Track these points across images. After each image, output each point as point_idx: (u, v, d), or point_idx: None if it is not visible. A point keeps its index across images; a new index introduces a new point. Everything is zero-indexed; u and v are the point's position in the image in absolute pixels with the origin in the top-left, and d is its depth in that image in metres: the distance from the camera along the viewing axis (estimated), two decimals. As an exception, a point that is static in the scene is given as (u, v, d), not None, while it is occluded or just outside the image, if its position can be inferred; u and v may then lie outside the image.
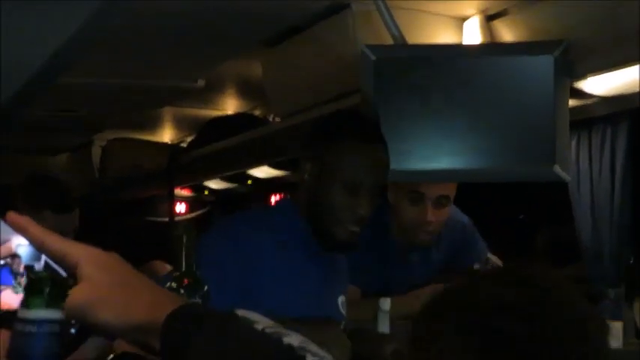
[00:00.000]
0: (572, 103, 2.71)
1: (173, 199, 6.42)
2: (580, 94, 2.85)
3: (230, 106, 4.93)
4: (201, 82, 3.67)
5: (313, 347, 1.08)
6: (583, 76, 2.71)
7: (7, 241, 1.17)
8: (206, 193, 6.90)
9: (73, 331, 1.13)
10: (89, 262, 1.13)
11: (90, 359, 1.17)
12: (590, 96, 2.90)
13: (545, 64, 2.52)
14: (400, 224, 3.25)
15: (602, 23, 2.46)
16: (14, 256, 1.16)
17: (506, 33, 2.75)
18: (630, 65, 2.59)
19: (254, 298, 2.34)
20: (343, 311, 2.64)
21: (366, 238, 3.15)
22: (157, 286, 1.16)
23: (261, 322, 1.14)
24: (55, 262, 1.15)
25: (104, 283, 1.12)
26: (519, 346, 1.19)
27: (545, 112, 2.52)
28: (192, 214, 7.23)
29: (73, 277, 1.13)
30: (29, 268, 1.14)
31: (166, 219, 6.30)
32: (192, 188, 6.94)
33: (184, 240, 1.68)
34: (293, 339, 1.09)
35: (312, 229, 2.51)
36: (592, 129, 3.55)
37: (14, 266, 1.16)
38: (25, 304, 1.00)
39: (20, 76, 3.14)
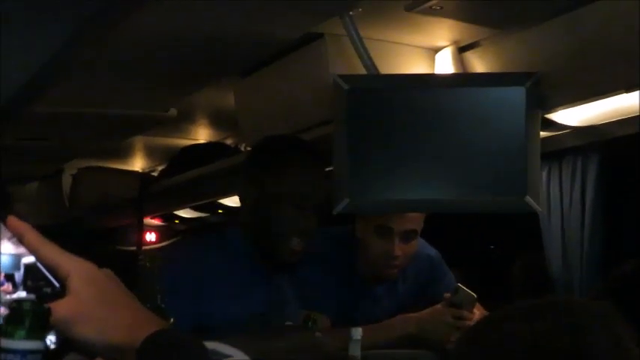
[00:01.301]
0: (543, 134, 2.72)
1: (142, 228, 6.39)
2: (551, 125, 2.87)
3: (202, 135, 4.93)
4: (173, 112, 3.66)
5: None
6: (554, 107, 2.73)
7: None
8: (177, 222, 6.87)
9: (52, 346, 1.13)
10: (79, 276, 1.14)
11: None
12: (562, 127, 2.92)
13: (516, 95, 2.53)
14: (366, 258, 3.25)
15: (574, 56, 2.48)
16: None
17: (478, 64, 2.76)
18: (601, 97, 2.61)
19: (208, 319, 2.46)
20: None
21: (331, 269, 3.17)
22: (140, 305, 1.18)
23: (231, 357, 1.14)
24: (48, 272, 1.16)
25: (89, 299, 1.13)
26: None
27: (517, 143, 2.53)
28: (163, 244, 7.20)
29: (64, 288, 1.14)
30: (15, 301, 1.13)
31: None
32: (163, 217, 6.91)
33: (148, 266, 1.68)
34: None
35: (256, 250, 2.65)
36: (563, 160, 3.57)
37: None
38: (7, 333, 0.99)
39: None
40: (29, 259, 1.16)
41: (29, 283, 1.16)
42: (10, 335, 0.99)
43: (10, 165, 5.48)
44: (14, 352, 0.98)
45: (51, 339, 1.13)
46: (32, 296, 1.15)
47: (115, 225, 6.98)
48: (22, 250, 1.17)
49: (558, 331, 1.24)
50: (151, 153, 5.57)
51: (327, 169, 2.71)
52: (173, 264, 2.45)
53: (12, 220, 1.18)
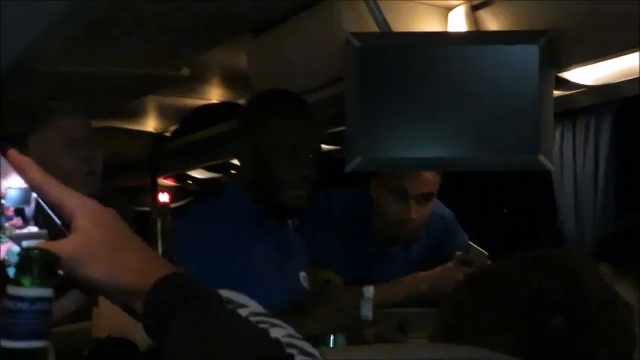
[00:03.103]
0: (556, 93, 2.72)
1: (156, 189, 6.40)
2: (565, 84, 2.86)
3: (214, 95, 4.91)
4: (185, 71, 3.65)
5: (300, 342, 1.05)
6: (568, 66, 2.72)
7: None
8: (189, 182, 6.87)
9: None
10: (85, 215, 1.12)
11: (70, 311, 1.16)
12: (575, 86, 2.90)
13: (530, 53, 2.52)
14: (382, 219, 3.25)
15: (588, 13, 2.46)
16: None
17: (492, 23, 2.74)
18: (615, 56, 2.59)
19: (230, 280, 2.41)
20: (306, 285, 2.78)
21: (345, 228, 3.18)
22: (148, 248, 1.15)
23: (246, 307, 1.11)
24: (51, 209, 1.13)
25: (96, 239, 1.10)
26: (560, 334, 1.21)
27: (530, 101, 2.52)
28: (176, 204, 7.21)
29: (67, 227, 1.12)
30: (22, 248, 1.12)
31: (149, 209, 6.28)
32: (176, 178, 6.91)
33: (158, 224, 1.68)
34: (279, 332, 1.06)
35: (260, 202, 2.68)
36: (576, 119, 3.56)
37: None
38: (15, 281, 0.99)
39: (2, 62, 3.12)
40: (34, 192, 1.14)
41: (40, 218, 1.14)
42: (18, 283, 0.99)
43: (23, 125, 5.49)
44: (23, 299, 0.98)
45: None
46: (43, 231, 1.14)
47: (128, 185, 6.99)
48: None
49: (555, 282, 1.26)
50: (163, 114, 5.56)
51: (340, 127, 2.71)
52: (186, 244, 2.45)
53: (13, 153, 1.13)
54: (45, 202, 1.13)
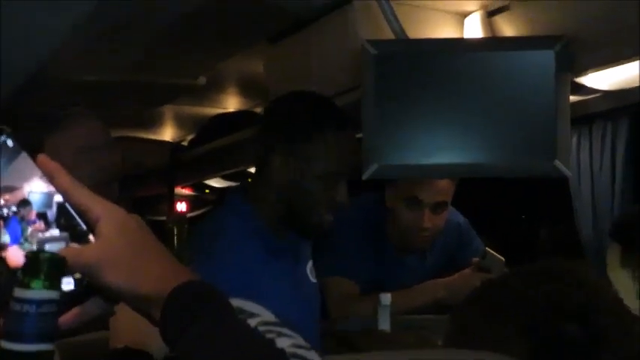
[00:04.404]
0: (573, 98, 2.71)
1: (173, 198, 6.42)
2: (581, 89, 2.86)
3: (231, 103, 4.93)
4: (202, 80, 3.67)
5: (306, 352, 1.07)
6: (584, 71, 2.71)
7: (19, 188, 1.15)
8: (207, 191, 6.89)
9: (71, 287, 1.13)
10: (109, 222, 1.13)
11: (93, 317, 1.16)
12: (591, 91, 2.90)
13: (546, 59, 2.51)
14: (397, 228, 3.25)
15: (604, 18, 2.46)
16: (24, 202, 1.15)
17: (508, 29, 2.75)
18: (631, 60, 2.59)
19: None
20: (312, 278, 2.70)
21: (362, 237, 3.18)
22: (170, 255, 1.16)
23: (257, 317, 1.13)
24: (77, 215, 1.14)
25: (119, 246, 1.12)
26: (574, 343, 1.22)
27: (546, 107, 2.52)
28: (194, 213, 7.23)
29: (92, 232, 1.14)
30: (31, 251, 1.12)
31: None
32: (194, 187, 6.93)
33: (175, 232, 1.69)
34: (286, 342, 1.07)
35: (283, 220, 2.52)
36: (593, 124, 3.55)
37: (23, 214, 1.15)
38: (22, 283, 1.00)
39: (20, 72, 3.14)
40: (61, 197, 1.16)
41: (62, 221, 1.15)
42: (25, 285, 0.99)
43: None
44: (30, 301, 0.98)
45: (69, 282, 1.12)
46: (65, 234, 1.14)
47: (145, 195, 7.01)
48: (54, 188, 1.16)
49: (571, 292, 1.27)
50: (181, 123, 5.59)
51: (357, 135, 2.67)
52: (201, 255, 2.40)
53: (43, 158, 1.15)
54: (72, 207, 1.15)
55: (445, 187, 3.18)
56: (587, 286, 1.31)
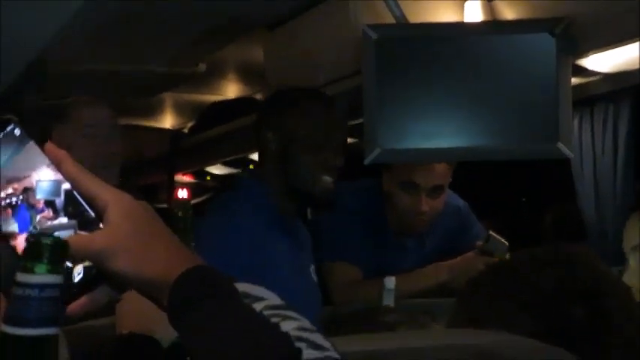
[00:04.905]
0: (574, 80, 2.71)
1: (174, 185, 6.42)
2: (582, 71, 2.85)
3: (231, 90, 4.93)
4: (201, 67, 3.66)
5: (312, 335, 1.06)
6: (585, 53, 2.71)
7: (28, 176, 1.16)
8: (208, 178, 6.89)
9: (78, 278, 1.13)
10: (117, 209, 1.13)
11: (103, 304, 1.17)
12: (593, 73, 2.90)
13: (546, 41, 2.51)
14: (394, 212, 3.25)
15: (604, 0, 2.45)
16: (27, 188, 1.15)
17: (508, 12, 2.73)
18: (632, 42, 2.58)
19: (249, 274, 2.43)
20: (315, 278, 2.85)
21: (361, 221, 3.19)
22: (178, 241, 1.16)
23: (263, 301, 1.13)
24: (85, 202, 1.15)
25: (127, 232, 1.12)
26: (581, 322, 1.24)
27: (548, 89, 2.51)
28: (195, 200, 7.23)
29: (100, 219, 1.14)
30: (31, 234, 1.13)
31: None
32: (194, 174, 6.93)
33: (180, 216, 1.69)
34: (291, 324, 1.07)
35: (286, 196, 2.71)
36: (594, 106, 3.55)
37: (30, 200, 1.15)
38: (24, 267, 0.99)
39: (18, 62, 3.13)
40: (69, 184, 1.16)
41: (70, 209, 1.15)
42: (27, 269, 0.99)
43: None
44: (32, 286, 0.98)
45: (78, 270, 1.13)
46: (73, 222, 1.15)
47: (146, 182, 7.01)
48: (61, 176, 1.16)
49: (579, 274, 1.29)
50: (180, 110, 5.59)
51: (359, 120, 2.72)
52: (207, 239, 2.46)
53: (50, 146, 1.16)
54: (79, 195, 1.15)
55: (442, 170, 3.17)
56: (592, 269, 1.33)
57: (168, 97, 5.06)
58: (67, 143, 2.99)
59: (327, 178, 2.68)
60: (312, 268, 2.85)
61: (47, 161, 1.16)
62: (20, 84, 3.33)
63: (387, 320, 2.49)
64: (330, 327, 2.23)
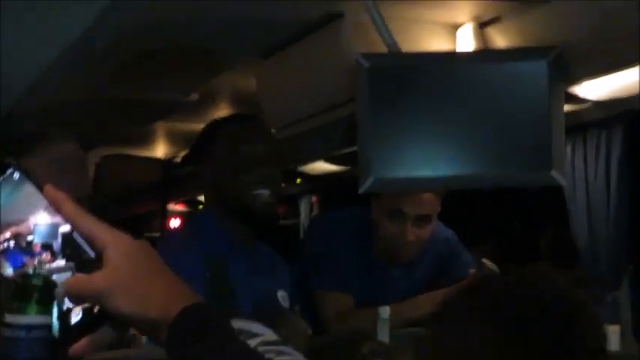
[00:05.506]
0: (566, 108, 2.71)
1: (166, 215, 6.41)
2: (574, 98, 2.86)
3: (224, 119, 4.91)
4: (194, 96, 3.66)
5: None
6: (577, 80, 2.72)
7: (25, 220, 1.16)
8: (200, 207, 6.89)
9: (78, 318, 1.13)
10: (116, 249, 1.14)
11: (105, 345, 1.17)
12: (585, 100, 2.90)
13: (539, 69, 2.52)
14: (381, 241, 3.24)
15: (596, 28, 2.47)
16: (18, 235, 1.15)
17: (500, 39, 2.75)
18: (624, 68, 2.60)
19: None
20: (284, 304, 2.82)
21: (349, 250, 3.19)
22: (176, 278, 1.17)
23: (257, 337, 1.14)
24: (85, 242, 1.16)
25: (127, 272, 1.13)
26: (545, 352, 1.25)
27: (541, 117, 2.51)
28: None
29: (100, 260, 1.14)
30: (21, 275, 1.13)
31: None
32: (187, 203, 6.93)
33: None
34: None
35: (231, 220, 2.74)
36: (587, 133, 3.56)
37: (21, 243, 1.15)
38: (12, 309, 0.99)
39: (11, 92, 3.13)
40: (66, 227, 1.16)
41: (68, 251, 1.15)
42: (15, 310, 0.99)
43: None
44: (20, 327, 0.98)
45: (76, 312, 1.13)
46: (71, 264, 1.15)
47: (139, 212, 7.01)
48: (58, 219, 1.16)
49: (542, 295, 1.31)
50: (173, 139, 5.58)
51: (352, 147, 2.72)
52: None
53: (49, 189, 1.17)
54: (79, 236, 1.16)
55: (429, 200, 3.16)
56: (562, 293, 1.33)
57: (161, 126, 5.05)
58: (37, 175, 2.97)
59: (265, 191, 2.71)
60: (282, 294, 2.83)
61: (45, 204, 1.17)
62: (10, 117, 3.33)
63: (363, 351, 2.49)
64: (310, 355, 2.23)
